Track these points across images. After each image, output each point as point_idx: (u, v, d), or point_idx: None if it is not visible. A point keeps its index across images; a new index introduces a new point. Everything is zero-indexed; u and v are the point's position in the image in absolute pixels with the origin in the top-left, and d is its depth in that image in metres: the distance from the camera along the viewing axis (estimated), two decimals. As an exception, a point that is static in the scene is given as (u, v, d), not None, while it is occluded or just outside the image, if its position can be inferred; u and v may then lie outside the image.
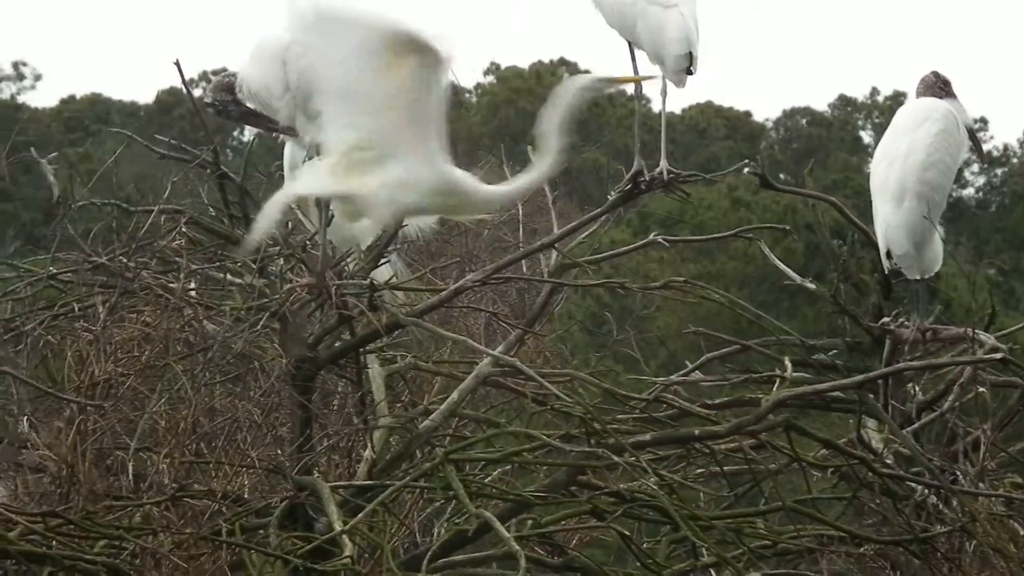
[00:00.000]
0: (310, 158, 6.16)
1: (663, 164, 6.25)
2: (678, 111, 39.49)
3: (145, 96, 39.75)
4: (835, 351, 7.01)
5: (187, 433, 5.40)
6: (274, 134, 6.34)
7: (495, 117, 39.08)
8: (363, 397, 6.16)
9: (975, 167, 39.59)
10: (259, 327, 5.73)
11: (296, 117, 6.12)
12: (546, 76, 41.46)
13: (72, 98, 38.43)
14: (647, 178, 6.27)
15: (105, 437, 5.35)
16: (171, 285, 5.83)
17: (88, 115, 36.30)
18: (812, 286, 7.24)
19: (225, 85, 6.16)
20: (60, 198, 6.39)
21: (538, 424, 6.34)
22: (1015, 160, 44.41)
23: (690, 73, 6.25)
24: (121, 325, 5.71)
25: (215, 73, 7.56)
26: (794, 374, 6.47)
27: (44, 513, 5.06)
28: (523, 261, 6.50)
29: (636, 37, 6.31)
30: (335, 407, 6.40)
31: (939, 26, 67.08)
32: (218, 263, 6.33)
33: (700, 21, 6.28)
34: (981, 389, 6.44)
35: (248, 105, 6.17)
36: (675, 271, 18.92)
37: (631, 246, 6.89)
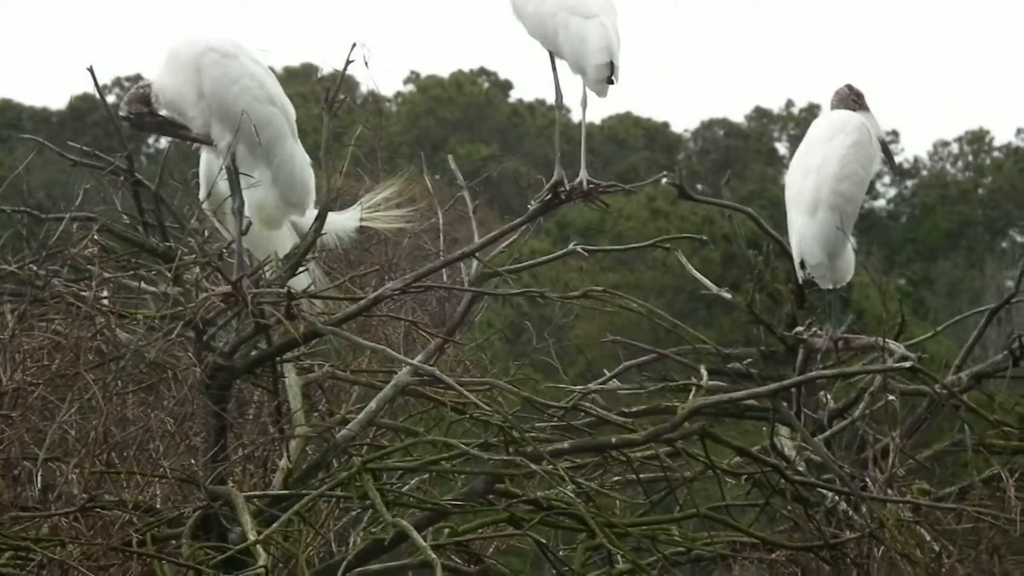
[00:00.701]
0: (226, 166, 6.10)
1: (583, 174, 6.29)
2: (598, 121, 39.80)
3: (58, 102, 39.07)
4: (750, 360, 7.10)
5: (98, 443, 5.31)
6: (191, 144, 6.25)
7: (415, 126, 39.02)
8: (279, 406, 6.11)
9: (886, 179, 40.41)
10: (173, 336, 5.66)
11: (211, 124, 6.05)
12: (466, 85, 41.54)
13: (-18, 103, 37.64)
14: (567, 188, 6.30)
15: (12, 447, 5.24)
16: (83, 293, 5.73)
17: (-2, 121, 35.55)
18: (728, 296, 7.33)
19: (140, 97, 6.03)
20: (-32, 206, 6.25)
21: (457, 433, 6.33)
22: (925, 172, 45.42)
23: (611, 83, 6.30)
24: (31, 334, 5.60)
25: (129, 79, 7.48)
26: (710, 382, 6.55)
27: (-52, 525, 4.94)
28: (443, 270, 6.49)
29: (558, 47, 6.35)
30: (251, 416, 6.34)
31: (853, 40, 68.41)
32: (132, 271, 6.23)
33: (621, 31, 6.33)
34: (891, 397, 6.57)
35: (163, 114, 6.08)
36: (594, 280, 19.01)
37: (551, 256, 6.92)
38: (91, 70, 6.33)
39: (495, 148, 37.01)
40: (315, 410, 6.40)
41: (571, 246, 6.60)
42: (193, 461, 5.74)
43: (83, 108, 35.92)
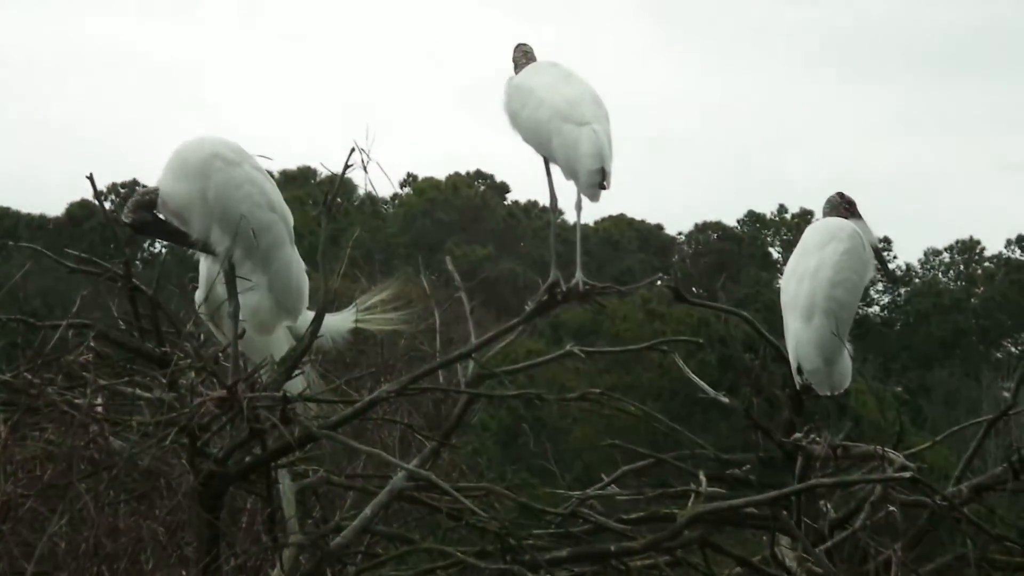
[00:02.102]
0: (223, 270, 6.09)
1: (579, 276, 6.31)
2: (592, 223, 40.08)
3: (54, 209, 39.16)
4: (748, 466, 7.03)
5: (88, 555, 5.21)
6: (188, 249, 6.24)
7: (411, 227, 39.26)
8: (273, 514, 6.02)
9: (879, 285, 40.57)
10: (167, 442, 5.59)
11: (211, 229, 6.04)
12: (463, 187, 41.91)
13: (-22, 212, 37.80)
14: (563, 289, 6.31)
15: (1, 562, 5.13)
16: (77, 401, 5.67)
17: (-6, 230, 35.66)
18: (725, 400, 7.29)
19: (145, 203, 5.98)
20: (-37, 314, 6.22)
21: (453, 540, 6.24)
22: (917, 280, 45.64)
23: (603, 187, 6.36)
24: (23, 444, 5.53)
25: (124, 186, 7.46)
26: (708, 489, 6.47)
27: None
28: (440, 371, 6.45)
29: (551, 153, 6.43)
30: (244, 524, 6.24)
31: (843, 147, 69.27)
32: (127, 377, 6.18)
33: (613, 138, 6.41)
34: (891, 508, 6.48)
35: (166, 220, 6.05)
36: (591, 382, 18.94)
37: (548, 356, 6.88)
38: (90, 177, 6.34)
39: (491, 249, 37.18)
40: (309, 517, 6.31)
41: (568, 347, 6.58)
42: (184, 573, 5.63)
43: (80, 215, 36.09)
